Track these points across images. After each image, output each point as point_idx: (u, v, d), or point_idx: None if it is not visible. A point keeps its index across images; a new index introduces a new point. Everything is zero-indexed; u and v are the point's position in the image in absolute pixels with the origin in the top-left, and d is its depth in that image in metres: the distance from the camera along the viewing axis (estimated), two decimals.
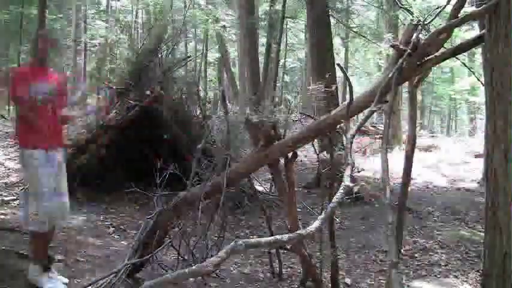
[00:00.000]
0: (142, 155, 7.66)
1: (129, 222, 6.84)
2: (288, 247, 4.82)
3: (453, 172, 12.64)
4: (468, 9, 4.13)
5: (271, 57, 15.90)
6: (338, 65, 4.05)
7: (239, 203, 7.60)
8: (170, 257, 4.92)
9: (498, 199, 3.26)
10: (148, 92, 8.05)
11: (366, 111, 3.77)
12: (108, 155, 8.16)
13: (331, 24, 11.13)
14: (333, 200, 3.09)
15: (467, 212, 8.44)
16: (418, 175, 11.28)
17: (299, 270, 5.10)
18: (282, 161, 4.40)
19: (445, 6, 3.88)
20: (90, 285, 4.27)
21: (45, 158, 4.05)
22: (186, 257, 4.56)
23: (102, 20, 23.15)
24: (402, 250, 5.99)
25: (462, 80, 24.90)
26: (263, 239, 4.55)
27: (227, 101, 5.42)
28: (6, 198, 7.22)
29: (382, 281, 5.10)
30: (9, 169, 9.26)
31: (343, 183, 3.12)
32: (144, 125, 8.25)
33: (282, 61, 19.13)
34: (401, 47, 3.68)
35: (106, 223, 6.73)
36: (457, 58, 4.49)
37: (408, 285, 5.08)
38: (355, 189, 8.16)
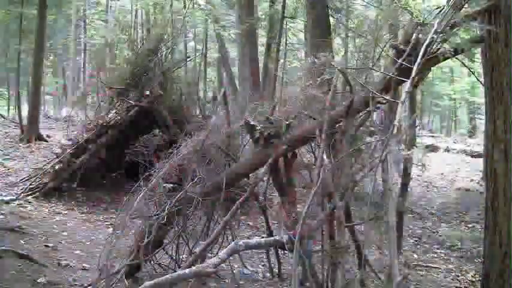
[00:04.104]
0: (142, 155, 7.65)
1: (129, 222, 6.82)
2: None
3: (453, 172, 12.64)
4: (468, 9, 4.12)
5: (271, 57, 15.88)
6: (339, 69, 4.03)
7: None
8: (170, 256, 4.91)
9: (498, 199, 3.26)
10: (148, 92, 8.05)
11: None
12: (108, 155, 8.17)
13: (331, 24, 11.13)
14: (332, 201, 3.09)
15: (467, 212, 8.44)
16: (418, 175, 11.27)
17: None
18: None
19: (445, 6, 3.87)
20: (90, 285, 4.27)
21: None
22: (184, 258, 4.56)
23: (102, 20, 23.16)
24: (402, 250, 5.98)
25: (462, 80, 24.91)
26: (263, 240, 4.56)
27: (228, 102, 5.42)
28: (6, 198, 7.21)
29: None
30: (9, 169, 9.26)
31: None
32: (144, 125, 8.25)
33: (281, 61, 19.10)
34: (401, 47, 3.67)
35: (106, 223, 6.72)
36: (457, 58, 4.47)
37: (408, 285, 5.08)
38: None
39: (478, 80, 10.12)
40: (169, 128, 8.04)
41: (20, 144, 11.74)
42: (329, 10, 10.79)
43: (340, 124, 3.80)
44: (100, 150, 8.03)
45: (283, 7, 14.11)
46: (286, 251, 5.27)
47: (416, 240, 6.80)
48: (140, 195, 4.28)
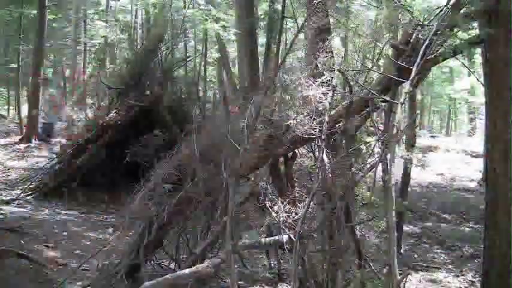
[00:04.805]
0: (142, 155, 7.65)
1: (129, 222, 6.83)
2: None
3: (453, 172, 12.63)
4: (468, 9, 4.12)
5: (271, 57, 15.87)
6: (339, 70, 4.03)
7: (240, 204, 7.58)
8: (170, 256, 4.91)
9: (498, 199, 3.26)
10: (148, 92, 8.05)
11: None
12: (108, 154, 8.16)
13: (331, 23, 11.10)
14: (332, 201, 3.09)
15: (467, 212, 8.43)
16: (418, 175, 11.27)
17: None
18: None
19: (445, 6, 3.86)
20: (89, 285, 4.28)
21: None
22: (185, 258, 4.55)
23: (102, 20, 23.12)
24: (402, 250, 5.99)
25: (462, 80, 24.87)
26: (263, 240, 4.55)
27: (228, 102, 5.43)
28: (6, 198, 7.22)
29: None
30: (9, 169, 9.26)
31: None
32: (145, 125, 8.25)
33: (281, 61, 19.10)
34: (400, 47, 3.67)
35: (106, 223, 6.73)
36: (457, 58, 4.49)
37: (407, 284, 5.08)
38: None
39: (478, 80, 10.12)
40: (169, 128, 8.04)
41: (20, 144, 11.74)
42: (329, 10, 10.76)
43: (340, 124, 3.80)
44: (100, 150, 8.02)
45: (283, 7, 14.10)
46: (286, 251, 5.29)
47: (416, 240, 6.80)
48: (140, 196, 4.29)
